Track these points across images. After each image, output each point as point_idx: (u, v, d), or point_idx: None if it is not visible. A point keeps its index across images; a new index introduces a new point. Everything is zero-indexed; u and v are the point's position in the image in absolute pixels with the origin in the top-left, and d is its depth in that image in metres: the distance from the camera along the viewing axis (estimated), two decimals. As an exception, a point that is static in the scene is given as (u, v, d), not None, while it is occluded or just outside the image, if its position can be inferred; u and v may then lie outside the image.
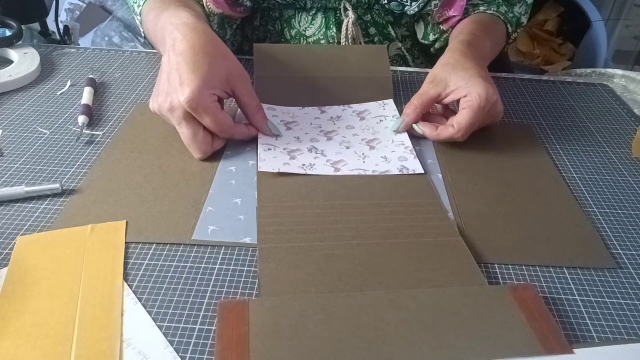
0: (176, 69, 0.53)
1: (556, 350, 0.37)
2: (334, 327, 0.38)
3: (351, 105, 0.68)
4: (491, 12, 0.77)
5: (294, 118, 0.64)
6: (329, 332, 0.37)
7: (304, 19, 0.79)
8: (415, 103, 0.62)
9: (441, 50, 0.82)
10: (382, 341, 0.37)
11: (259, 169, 0.54)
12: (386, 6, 0.78)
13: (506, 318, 0.39)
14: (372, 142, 0.61)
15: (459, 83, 0.60)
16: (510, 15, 0.78)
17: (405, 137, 0.62)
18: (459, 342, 0.37)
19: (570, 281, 0.45)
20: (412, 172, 0.56)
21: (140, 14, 0.72)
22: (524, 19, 0.80)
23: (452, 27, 0.78)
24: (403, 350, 0.36)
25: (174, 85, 0.53)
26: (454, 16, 0.77)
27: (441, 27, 0.80)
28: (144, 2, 0.70)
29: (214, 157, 0.57)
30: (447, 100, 0.62)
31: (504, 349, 0.37)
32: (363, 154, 0.59)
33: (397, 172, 0.56)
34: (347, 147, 0.60)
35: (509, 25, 0.78)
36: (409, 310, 0.39)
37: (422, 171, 0.56)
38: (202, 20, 0.61)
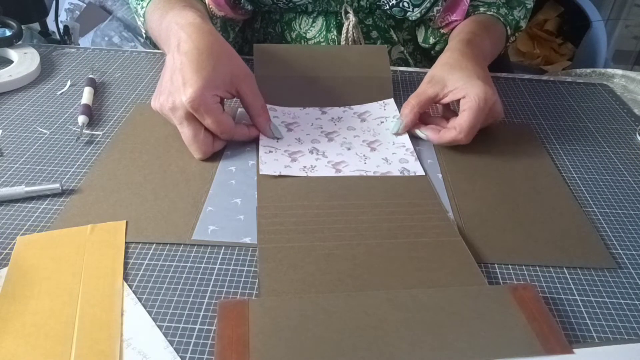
0: (180, 69, 0.53)
1: (556, 351, 0.37)
2: (334, 327, 0.38)
3: (352, 106, 0.68)
4: (491, 13, 0.77)
5: (295, 119, 0.64)
6: (329, 332, 0.37)
7: (305, 21, 0.79)
8: (412, 103, 0.61)
9: (442, 52, 0.82)
10: (382, 341, 0.37)
11: (260, 172, 0.54)
12: (388, 12, 0.77)
13: (506, 318, 0.39)
14: (373, 144, 0.61)
15: (457, 83, 0.60)
16: (510, 17, 0.78)
17: (406, 138, 0.62)
18: (459, 342, 0.37)
19: (570, 281, 0.45)
20: (413, 174, 0.56)
21: (143, 15, 0.72)
22: (523, 23, 0.80)
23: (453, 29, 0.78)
24: (403, 351, 0.36)
25: (176, 85, 0.53)
26: (456, 20, 0.77)
27: (442, 30, 0.80)
28: (147, 4, 0.70)
29: (214, 157, 0.57)
30: (445, 101, 0.62)
31: (504, 349, 0.37)
32: (364, 155, 0.59)
33: (398, 173, 0.56)
34: (349, 149, 0.60)
35: (508, 28, 0.78)
36: (409, 310, 0.39)
37: (423, 173, 0.56)
38: (208, 20, 0.61)
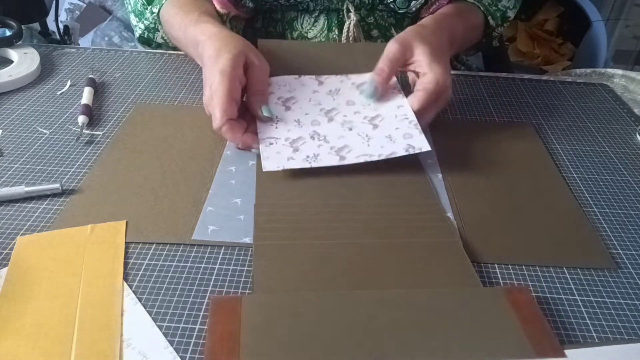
0: (209, 64, 0.58)
1: (548, 354, 0.36)
2: (326, 325, 0.38)
3: (349, 76, 0.66)
4: (472, 1, 0.77)
5: (291, 92, 0.63)
6: (320, 330, 0.37)
7: (307, 20, 0.79)
8: (386, 71, 0.61)
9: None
10: (373, 340, 0.37)
11: (263, 169, 0.53)
12: (391, 5, 0.77)
13: (499, 320, 0.39)
14: (375, 120, 0.60)
15: (422, 57, 0.60)
16: (494, 8, 0.78)
17: (408, 110, 0.60)
18: (451, 344, 0.37)
19: (570, 281, 0.44)
20: (418, 151, 0.55)
21: (153, 20, 0.75)
22: (510, 13, 0.79)
23: None
24: (394, 350, 0.36)
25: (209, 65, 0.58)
26: (443, 4, 0.77)
27: None
28: (159, 10, 0.73)
29: (214, 157, 0.57)
30: (408, 69, 0.63)
31: (496, 352, 0.37)
32: (367, 135, 0.58)
33: (403, 152, 0.55)
34: (350, 129, 0.59)
35: (490, 18, 0.78)
36: (401, 310, 0.39)
37: (429, 148, 0.55)
38: (223, 26, 0.66)
